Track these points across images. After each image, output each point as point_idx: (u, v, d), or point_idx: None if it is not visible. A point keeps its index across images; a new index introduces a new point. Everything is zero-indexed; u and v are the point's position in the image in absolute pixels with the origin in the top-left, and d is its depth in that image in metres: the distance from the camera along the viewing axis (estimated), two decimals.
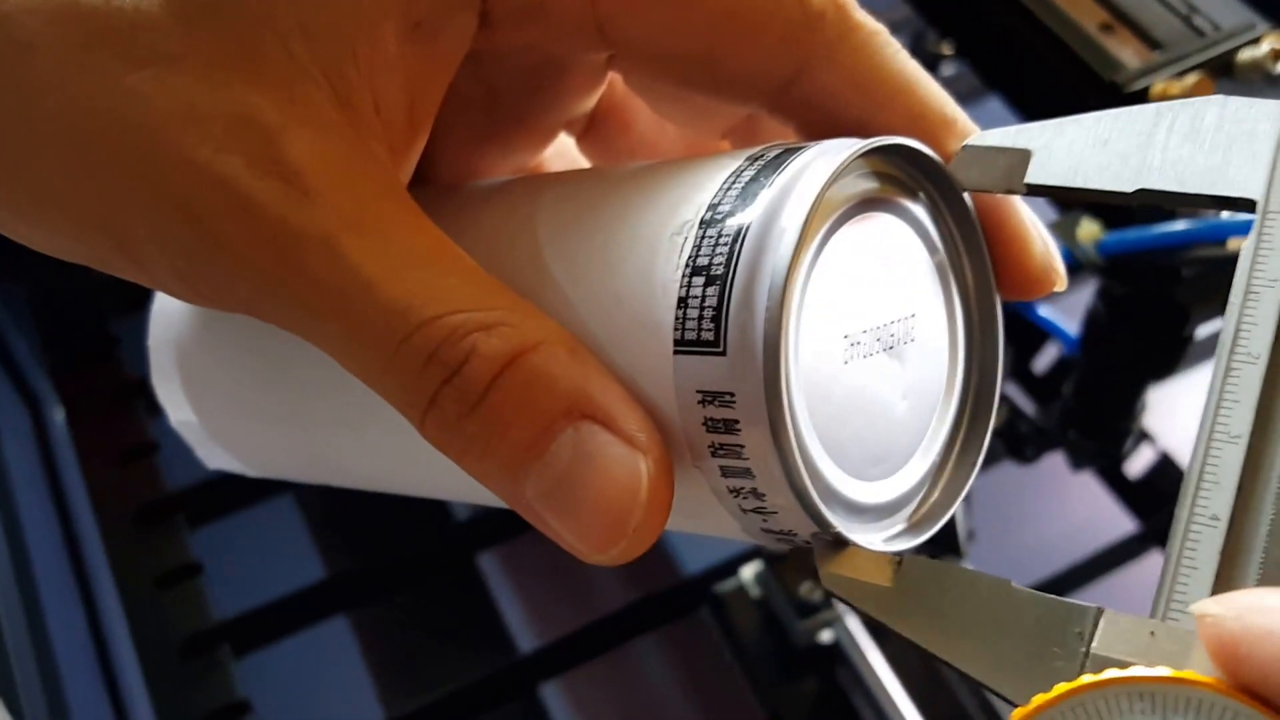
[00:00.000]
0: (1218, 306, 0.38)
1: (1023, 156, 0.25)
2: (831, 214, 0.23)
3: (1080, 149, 0.25)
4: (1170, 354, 0.55)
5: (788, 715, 0.56)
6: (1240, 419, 0.22)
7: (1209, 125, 0.24)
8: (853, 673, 0.56)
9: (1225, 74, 0.52)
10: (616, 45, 0.26)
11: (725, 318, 0.21)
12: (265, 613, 0.58)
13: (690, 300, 0.22)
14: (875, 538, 0.24)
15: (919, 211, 0.25)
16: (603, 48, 0.26)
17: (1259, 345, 0.22)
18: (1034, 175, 0.25)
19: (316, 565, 0.69)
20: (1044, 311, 0.59)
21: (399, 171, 0.25)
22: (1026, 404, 0.63)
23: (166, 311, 0.33)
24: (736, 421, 0.22)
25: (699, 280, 0.22)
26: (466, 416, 0.22)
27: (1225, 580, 0.21)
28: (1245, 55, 0.51)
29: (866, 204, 0.24)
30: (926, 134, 0.25)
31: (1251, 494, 0.21)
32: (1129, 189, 0.24)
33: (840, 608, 0.58)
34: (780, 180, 0.22)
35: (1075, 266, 0.54)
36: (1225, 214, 0.49)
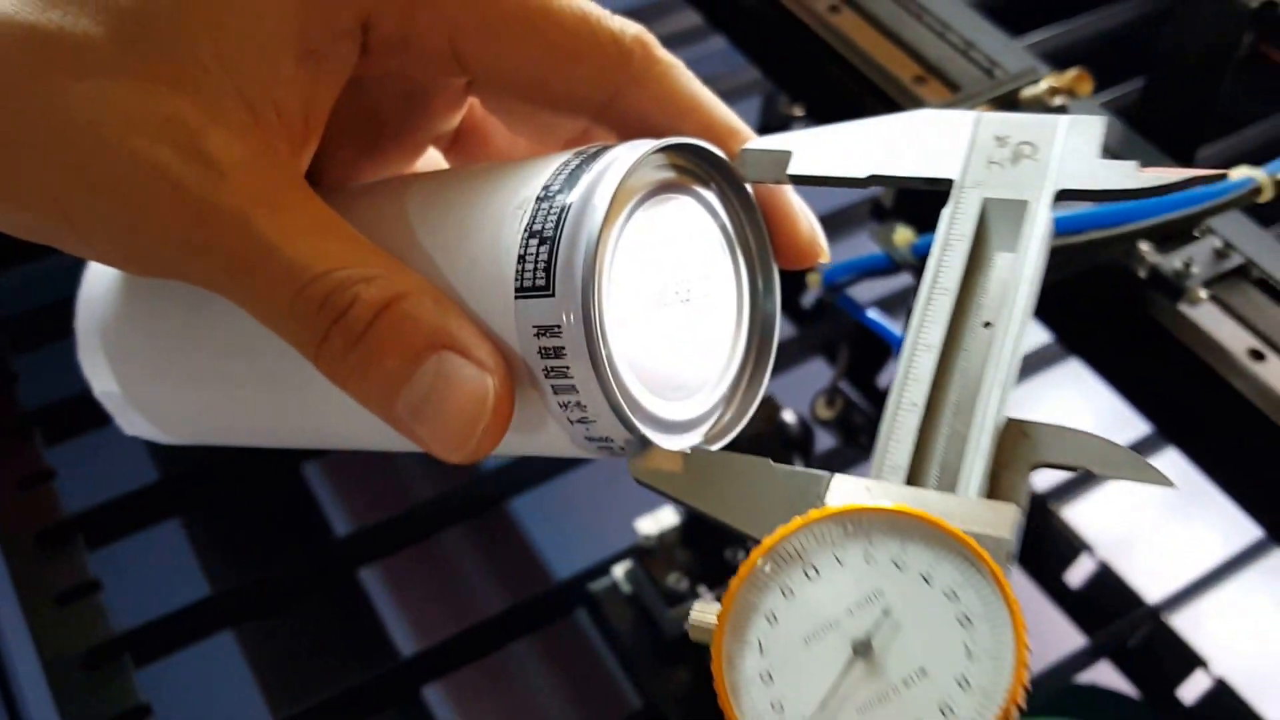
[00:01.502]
0: None
1: (786, 155, 0.33)
2: (636, 194, 0.30)
3: (829, 149, 0.33)
4: None
5: (661, 701, 0.59)
6: (935, 334, 0.29)
7: (923, 128, 0.32)
8: None
9: (1011, 107, 0.61)
10: (471, 71, 0.32)
11: (554, 268, 0.28)
12: (163, 625, 0.60)
13: (527, 257, 0.29)
14: (676, 445, 0.31)
15: (710, 196, 0.32)
16: (460, 74, 0.33)
17: (951, 282, 0.30)
18: (794, 168, 0.32)
19: (204, 584, 0.72)
20: (873, 314, 0.66)
21: (297, 163, 0.31)
22: (860, 400, 0.70)
23: (92, 296, 0.38)
24: (563, 348, 0.28)
25: (534, 241, 0.29)
26: (351, 349, 0.28)
27: (922, 448, 0.28)
28: (1028, 92, 0.62)
29: (667, 188, 0.31)
30: (716, 139, 0.32)
31: (942, 388, 0.29)
32: (863, 175, 0.32)
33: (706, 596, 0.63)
34: (596, 168, 0.29)
35: (894, 268, 0.62)
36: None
